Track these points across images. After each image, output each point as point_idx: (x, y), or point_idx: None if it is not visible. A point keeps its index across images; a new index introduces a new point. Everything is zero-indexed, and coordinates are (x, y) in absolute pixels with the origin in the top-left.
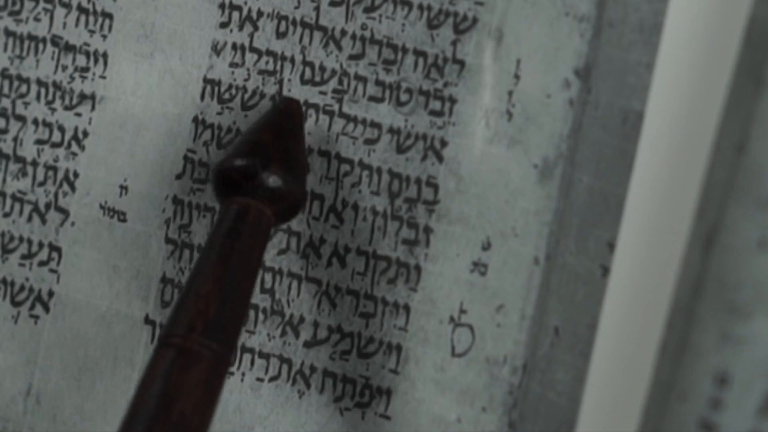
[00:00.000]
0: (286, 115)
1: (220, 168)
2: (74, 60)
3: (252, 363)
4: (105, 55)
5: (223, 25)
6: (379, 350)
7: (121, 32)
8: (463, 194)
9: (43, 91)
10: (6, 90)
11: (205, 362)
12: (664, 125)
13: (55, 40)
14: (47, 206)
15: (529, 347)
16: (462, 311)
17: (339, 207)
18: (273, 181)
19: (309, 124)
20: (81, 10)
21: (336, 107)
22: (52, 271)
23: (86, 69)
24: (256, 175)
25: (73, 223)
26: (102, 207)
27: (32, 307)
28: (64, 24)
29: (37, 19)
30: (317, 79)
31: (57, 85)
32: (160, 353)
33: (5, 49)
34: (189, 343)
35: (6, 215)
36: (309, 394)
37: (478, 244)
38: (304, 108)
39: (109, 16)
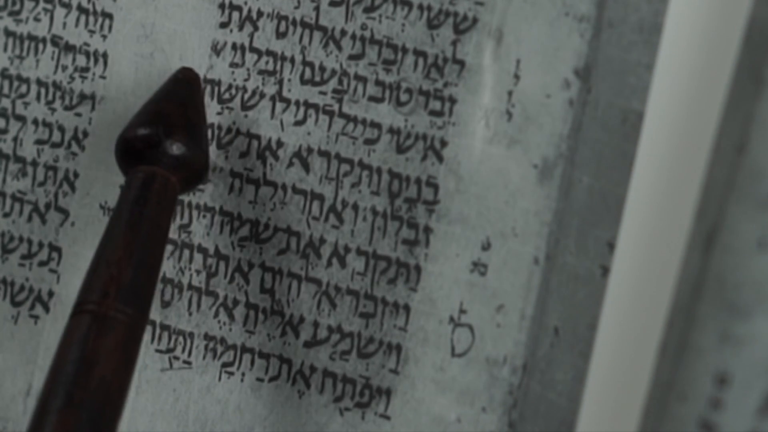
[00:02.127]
0: (185, 84)
1: (123, 138)
2: (74, 60)
3: (252, 363)
4: (105, 55)
5: (223, 25)
6: (379, 350)
7: (121, 32)
8: (463, 194)
9: (43, 91)
10: (6, 90)
11: (122, 327)
12: (664, 125)
13: (55, 40)
14: (47, 206)
15: (529, 347)
16: (462, 311)
17: (339, 207)
18: (176, 148)
19: (309, 124)
20: (81, 10)
21: (336, 107)
22: (52, 271)
23: (86, 69)
24: (160, 144)
25: (73, 223)
26: (102, 207)
27: (32, 307)
28: (64, 24)
29: (37, 19)
30: (317, 79)
31: (57, 85)
32: (75, 320)
33: (5, 49)
34: (104, 309)
35: (6, 215)
36: (309, 394)
37: (478, 244)
38: (303, 108)
39: (109, 16)
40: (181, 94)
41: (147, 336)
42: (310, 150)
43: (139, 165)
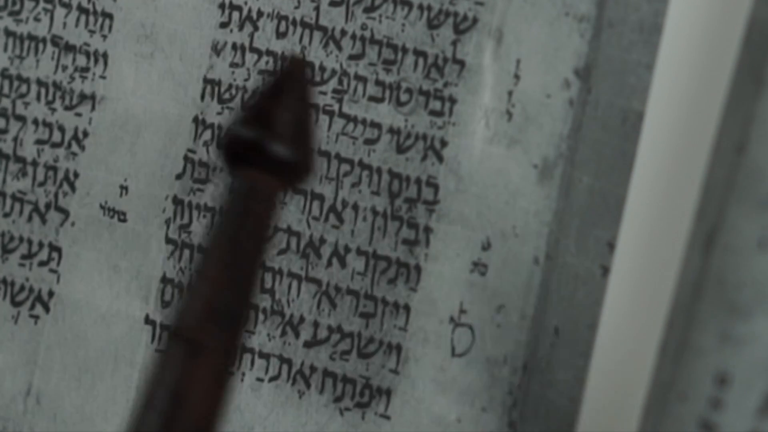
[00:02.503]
0: (291, 78)
1: (225, 138)
2: (74, 60)
3: (252, 363)
4: (105, 55)
5: (223, 25)
6: (379, 350)
7: (121, 32)
8: (463, 194)
9: (43, 91)
10: (6, 90)
11: (214, 352)
12: (664, 125)
13: (55, 40)
14: (47, 206)
15: (529, 347)
16: (462, 311)
17: (339, 207)
18: (279, 151)
19: None
20: (81, 10)
21: (336, 107)
22: (52, 271)
23: (86, 69)
24: (262, 146)
25: (73, 223)
26: (102, 207)
27: (32, 307)
28: (64, 24)
29: (37, 19)
30: (317, 79)
31: (57, 85)
32: (168, 345)
33: (5, 49)
34: (197, 334)
35: (6, 215)
36: (309, 394)
37: (478, 244)
38: None
39: (109, 16)
40: (285, 90)
41: (148, 336)
42: None
43: (241, 166)
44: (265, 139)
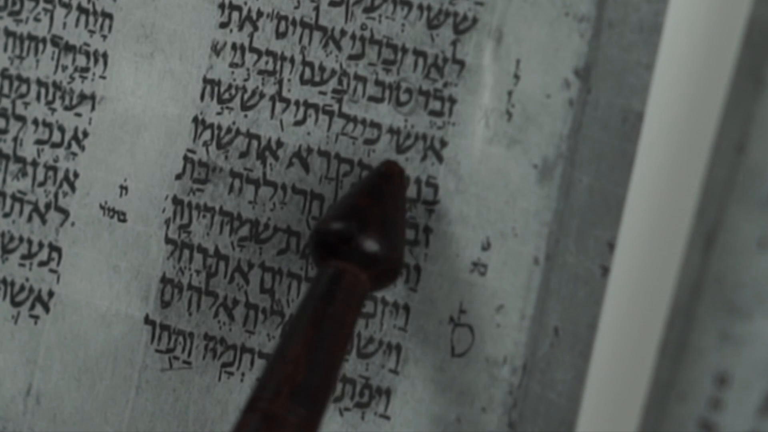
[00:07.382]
0: (386, 179)
1: (316, 231)
2: (74, 60)
3: (252, 363)
4: (105, 56)
5: (223, 25)
6: (379, 350)
7: (121, 32)
8: (462, 194)
9: (43, 91)
10: (6, 90)
11: (291, 427)
12: (664, 125)
13: (55, 41)
14: (47, 206)
15: (529, 347)
16: (462, 311)
17: None
18: (369, 245)
19: (309, 124)
20: (81, 10)
21: (336, 107)
22: (52, 271)
23: (86, 69)
24: (352, 240)
25: (73, 224)
26: (102, 207)
27: (32, 307)
28: (64, 24)
29: (37, 20)
30: (317, 79)
31: (57, 86)
32: (245, 417)
33: (5, 49)
34: (275, 408)
35: (6, 215)
36: None
37: (477, 244)
38: (303, 108)
39: (109, 16)
40: (380, 189)
41: (148, 336)
42: (309, 150)
43: (331, 259)
44: (356, 233)
